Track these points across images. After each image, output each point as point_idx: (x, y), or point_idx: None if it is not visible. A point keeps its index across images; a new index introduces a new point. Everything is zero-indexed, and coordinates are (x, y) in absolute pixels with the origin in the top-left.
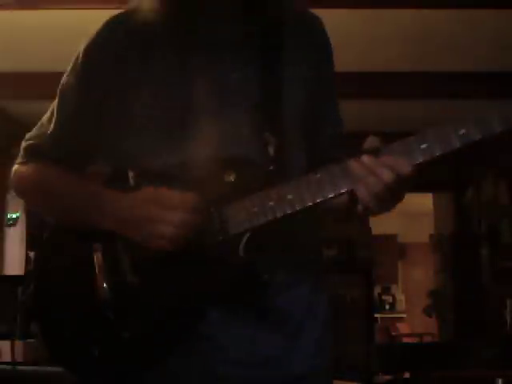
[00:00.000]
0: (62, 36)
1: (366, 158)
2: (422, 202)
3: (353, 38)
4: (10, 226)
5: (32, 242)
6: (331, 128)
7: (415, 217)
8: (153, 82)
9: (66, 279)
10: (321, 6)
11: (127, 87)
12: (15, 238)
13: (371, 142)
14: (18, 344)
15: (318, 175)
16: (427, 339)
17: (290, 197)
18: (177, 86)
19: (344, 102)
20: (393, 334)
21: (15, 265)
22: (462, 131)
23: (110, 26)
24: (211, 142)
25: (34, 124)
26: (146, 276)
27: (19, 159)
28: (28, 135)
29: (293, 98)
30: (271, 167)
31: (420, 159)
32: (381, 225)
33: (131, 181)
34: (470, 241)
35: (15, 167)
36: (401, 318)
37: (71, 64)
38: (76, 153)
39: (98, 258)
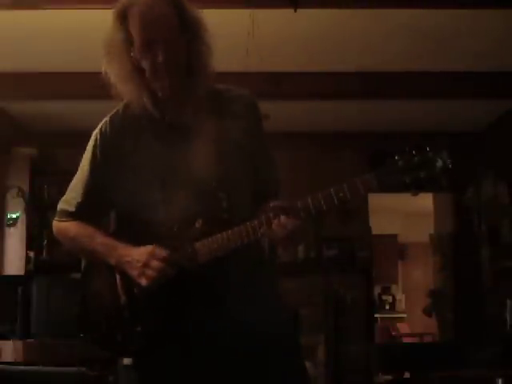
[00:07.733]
0: (62, 36)
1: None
2: (421, 202)
3: (353, 38)
4: (10, 226)
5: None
6: (265, 186)
7: (415, 217)
8: (141, 159)
9: (101, 292)
10: (321, 6)
11: (126, 163)
12: (15, 238)
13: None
14: (18, 344)
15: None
16: (427, 339)
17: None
18: (160, 161)
19: (344, 101)
20: (393, 334)
21: (15, 265)
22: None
23: (112, 119)
24: (186, 200)
25: (34, 124)
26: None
27: (57, 217)
28: (63, 198)
29: (236, 165)
30: (225, 215)
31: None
32: (381, 225)
33: (136, 228)
34: (470, 241)
35: (55, 223)
36: (401, 318)
37: (88, 145)
38: (93, 213)
39: (118, 278)
